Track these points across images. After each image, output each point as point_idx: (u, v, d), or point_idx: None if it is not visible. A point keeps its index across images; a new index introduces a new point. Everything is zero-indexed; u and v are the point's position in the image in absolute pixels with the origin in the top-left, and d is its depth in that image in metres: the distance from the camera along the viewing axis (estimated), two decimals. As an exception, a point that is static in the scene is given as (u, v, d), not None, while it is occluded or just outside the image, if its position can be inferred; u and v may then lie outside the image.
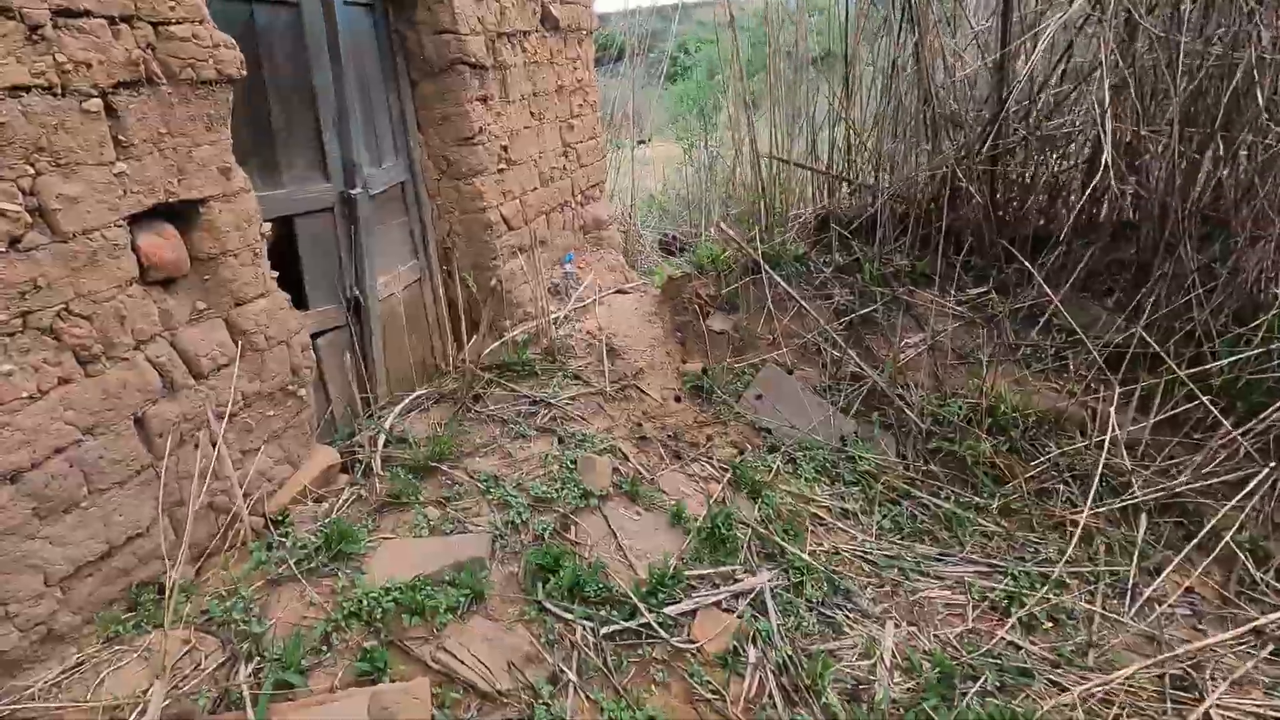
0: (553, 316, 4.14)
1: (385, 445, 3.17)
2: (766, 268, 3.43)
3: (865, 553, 2.59)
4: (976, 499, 2.84)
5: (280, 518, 2.69)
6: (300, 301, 3.21)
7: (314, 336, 3.27)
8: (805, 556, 2.51)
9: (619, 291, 4.87)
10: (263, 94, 2.84)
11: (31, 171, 1.87)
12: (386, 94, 3.61)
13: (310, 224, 3.15)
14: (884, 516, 2.80)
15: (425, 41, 3.62)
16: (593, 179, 5.42)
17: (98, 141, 2.02)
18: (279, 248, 3.11)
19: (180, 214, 2.35)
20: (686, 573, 2.45)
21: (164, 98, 2.20)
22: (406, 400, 3.58)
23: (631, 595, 2.34)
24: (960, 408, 3.00)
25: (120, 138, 2.09)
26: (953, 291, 3.29)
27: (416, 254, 3.97)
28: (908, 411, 3.04)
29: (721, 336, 3.57)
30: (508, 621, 2.28)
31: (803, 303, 3.37)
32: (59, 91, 1.91)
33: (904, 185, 3.42)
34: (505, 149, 4.17)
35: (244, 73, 2.45)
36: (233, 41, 2.40)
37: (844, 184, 3.68)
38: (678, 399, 3.30)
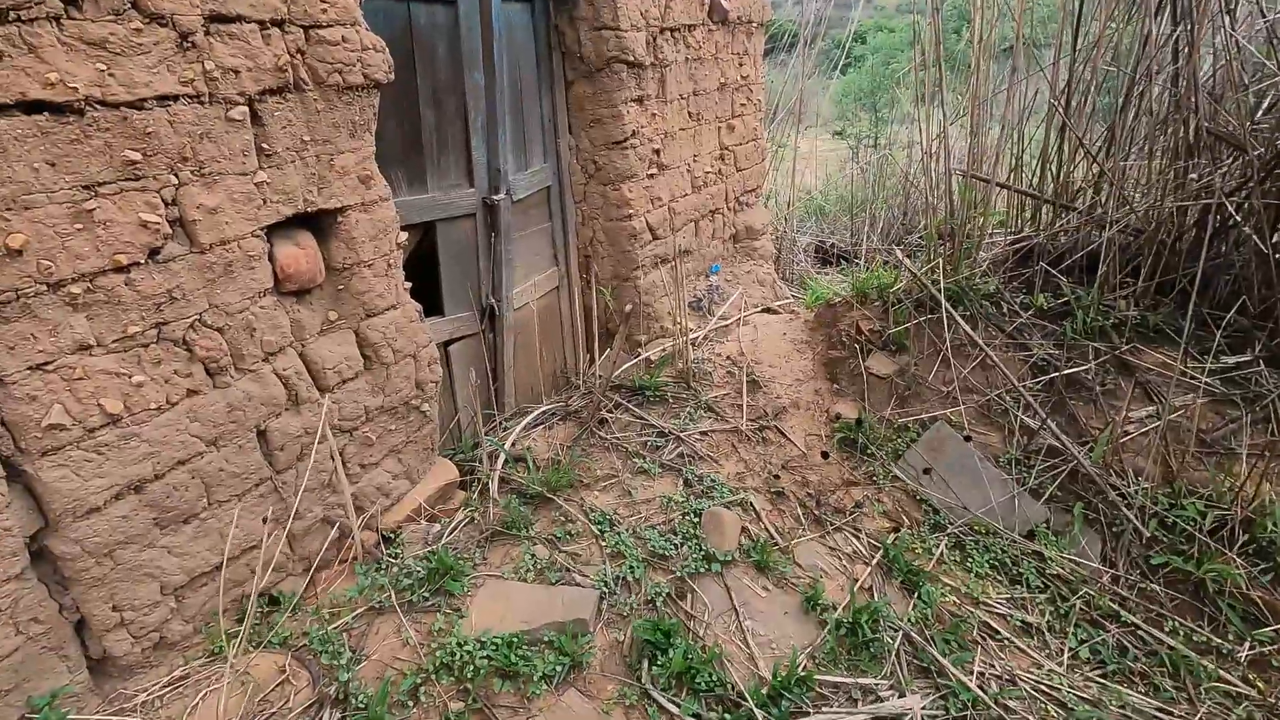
0: (692, 337, 3.82)
1: (505, 464, 3.04)
2: (947, 305, 2.88)
3: (1052, 687, 2.05)
4: (1218, 641, 2.15)
5: (393, 534, 2.62)
6: (436, 307, 3.14)
7: (446, 344, 3.20)
8: (970, 683, 2.02)
9: (766, 310, 4.46)
10: (414, 97, 2.75)
11: (175, 181, 1.84)
12: (539, 94, 3.45)
13: (451, 230, 3.06)
14: (1080, 641, 2.21)
15: (584, 38, 3.41)
16: (749, 184, 5.02)
17: (241, 150, 1.97)
18: (419, 253, 3.05)
19: (318, 223, 2.29)
20: (818, 677, 2.06)
21: (310, 103, 2.13)
22: (532, 415, 3.44)
23: (749, 697, 1.99)
24: (1201, 512, 2.31)
25: (264, 146, 2.03)
26: (1200, 357, 2.55)
27: (556, 261, 3.81)
28: (1123, 508, 2.40)
29: (883, 382, 3.08)
30: (605, 702, 2.02)
31: (989, 351, 2.79)
32: (206, 99, 1.87)
33: (1146, 216, 2.70)
34: (657, 153, 3.89)
35: (391, 76, 2.34)
36: (382, 44, 2.29)
37: (1060, 209, 2.99)
38: (825, 455, 2.87)
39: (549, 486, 2.87)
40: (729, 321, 4.15)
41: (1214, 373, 2.57)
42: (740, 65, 4.63)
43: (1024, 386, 2.70)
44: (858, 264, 7.96)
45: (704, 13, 4.09)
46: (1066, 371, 2.69)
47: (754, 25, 4.66)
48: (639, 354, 3.89)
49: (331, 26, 2.13)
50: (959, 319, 2.86)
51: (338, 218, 2.30)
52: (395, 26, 2.62)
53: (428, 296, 3.14)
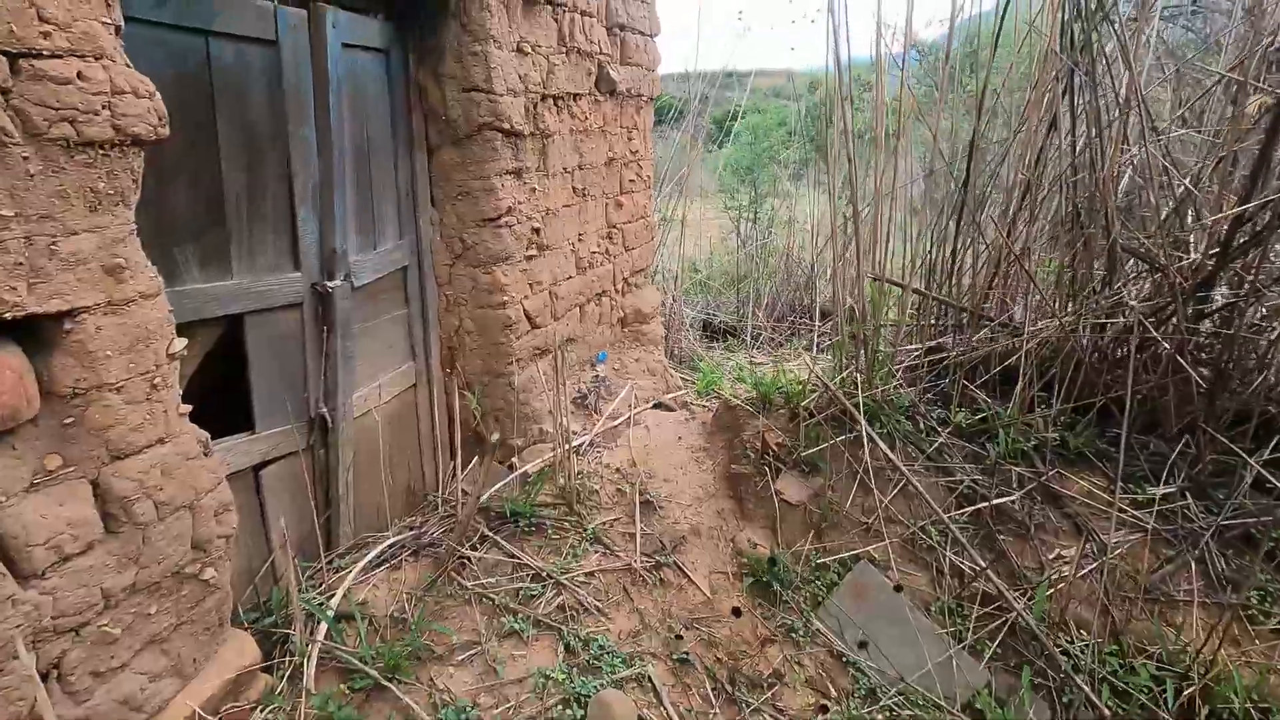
0: (576, 443, 3.29)
1: (331, 628, 2.31)
2: (867, 427, 2.55)
3: None
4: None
5: (146, 767, 1.82)
6: (245, 422, 2.42)
7: (258, 468, 2.47)
8: None
9: (659, 406, 4.02)
10: (214, 154, 2.10)
11: None
12: (395, 160, 2.88)
13: (268, 324, 2.38)
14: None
15: (452, 99, 2.90)
16: (639, 264, 4.65)
17: None
18: (220, 352, 2.33)
19: (30, 332, 1.57)
20: None
21: (14, 163, 1.44)
22: (375, 551, 2.72)
23: None
24: (1153, 679, 2.04)
25: (-80, 224, 1.33)
26: (1126, 485, 2.37)
27: (413, 354, 3.18)
28: (1071, 672, 2.09)
29: (796, 509, 2.69)
30: None
31: (911, 478, 2.48)
32: None
33: (1059, 330, 2.55)
34: (537, 231, 3.41)
35: (163, 131, 1.70)
36: (149, 87, 1.66)
37: (975, 319, 2.81)
38: (736, 612, 2.40)
39: (387, 664, 2.18)
40: (618, 421, 3.66)
41: (1140, 505, 2.39)
42: (630, 139, 4.30)
43: (950, 517, 2.40)
44: (743, 339, 7.84)
45: (591, 82, 3.73)
46: (995, 502, 2.43)
47: (644, 99, 4.37)
48: (512, 463, 3.29)
49: (58, 58, 1.48)
50: (879, 440, 2.54)
51: (64, 324, 1.59)
52: (187, 63, 1.99)
53: (232, 410, 2.41)
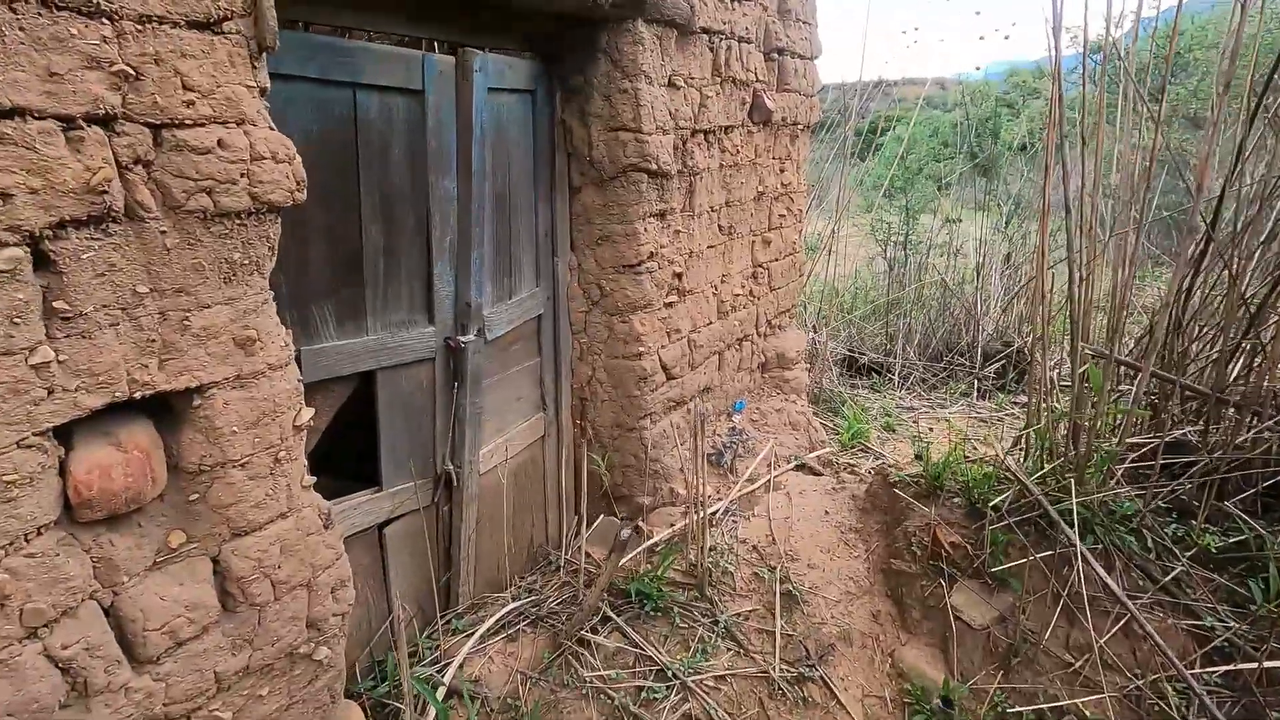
0: (710, 509, 2.98)
1: (442, 712, 2.16)
2: (1078, 541, 2.02)
3: None
4: None
5: None
6: (372, 478, 2.34)
7: (383, 525, 2.38)
8: None
9: (801, 467, 3.63)
10: (354, 210, 2.03)
11: None
12: (535, 204, 2.74)
13: (398, 380, 2.29)
14: None
15: (597, 140, 2.72)
16: (783, 304, 4.28)
17: (8, 316, 1.21)
18: (350, 409, 2.26)
19: (161, 407, 1.51)
20: None
21: (152, 239, 1.38)
22: (493, 620, 2.57)
23: None
24: None
25: (58, 305, 1.28)
26: None
27: (544, 405, 3.02)
28: None
29: (976, 633, 2.22)
30: None
31: (1138, 615, 1.94)
32: (-66, 240, 1.12)
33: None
34: (679, 276, 3.16)
35: (301, 196, 1.61)
36: (290, 149, 1.57)
37: (1237, 410, 2.17)
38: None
39: (496, 766, 1.99)
40: (756, 485, 3.31)
41: None
42: (781, 171, 3.96)
43: (1196, 675, 1.84)
44: (890, 377, 7.17)
45: (744, 112, 3.44)
46: (1268, 665, 1.83)
47: (800, 127, 4.02)
48: (639, 525, 3.04)
49: (200, 126, 1.40)
50: (1093, 562, 2.01)
51: (195, 399, 1.52)
52: (332, 117, 1.92)
53: (358, 465, 2.34)
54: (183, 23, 1.36)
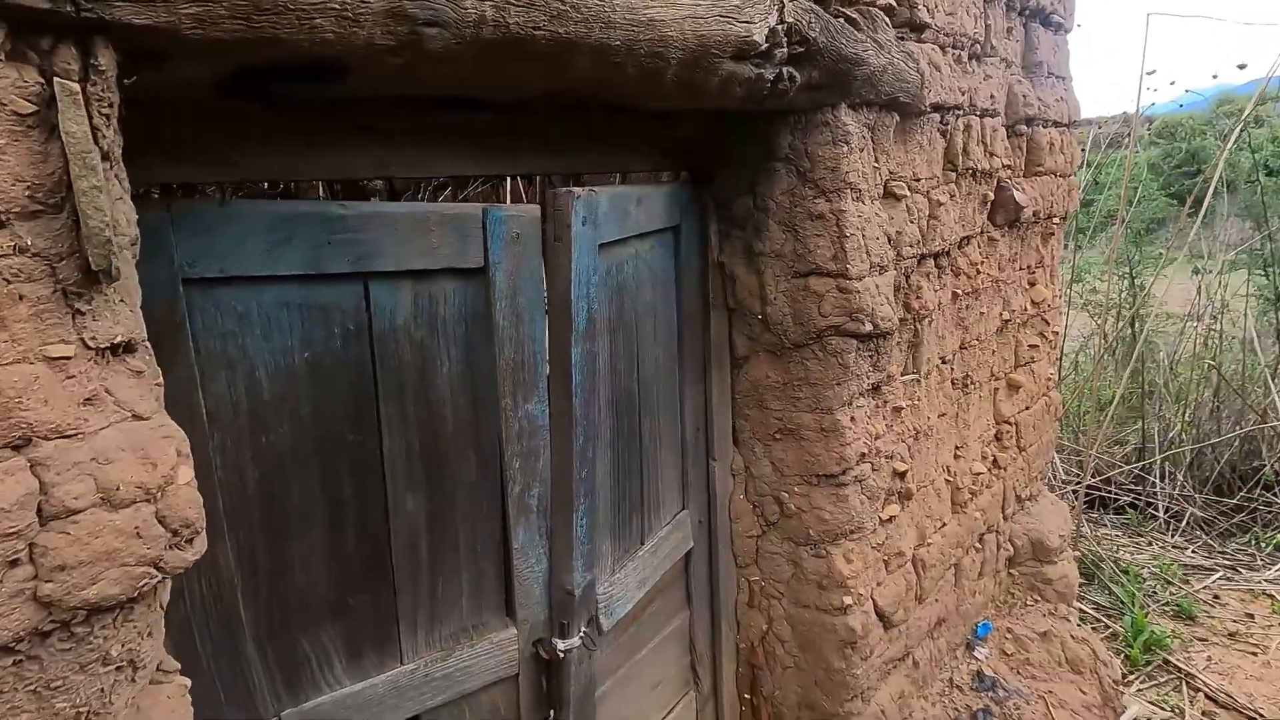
0: None
1: None
2: None
3: None
4: None
5: None
6: None
7: None
8: None
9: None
10: (373, 469, 1.18)
11: None
12: (679, 388, 1.80)
13: (460, 715, 1.37)
14: None
15: (774, 291, 1.75)
16: (1035, 468, 2.99)
17: None
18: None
19: None
20: None
21: None
22: None
23: None
24: None
25: None
26: None
27: (695, 680, 1.99)
28: None
29: None
30: None
31: None
32: None
33: None
34: (902, 475, 2.05)
35: (192, 552, 0.76)
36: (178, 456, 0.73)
37: None
38: None
39: None
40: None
41: None
42: (1030, 285, 2.76)
43: None
44: (1150, 514, 5.33)
45: (984, 215, 2.33)
46: None
47: (1054, 221, 2.81)
48: None
49: None
50: None
51: None
52: (326, 335, 1.10)
53: None
54: None
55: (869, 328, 1.72)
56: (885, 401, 1.97)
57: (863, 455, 1.86)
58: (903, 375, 2.04)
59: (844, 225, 1.65)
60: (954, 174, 2.10)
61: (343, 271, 1.07)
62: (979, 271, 2.34)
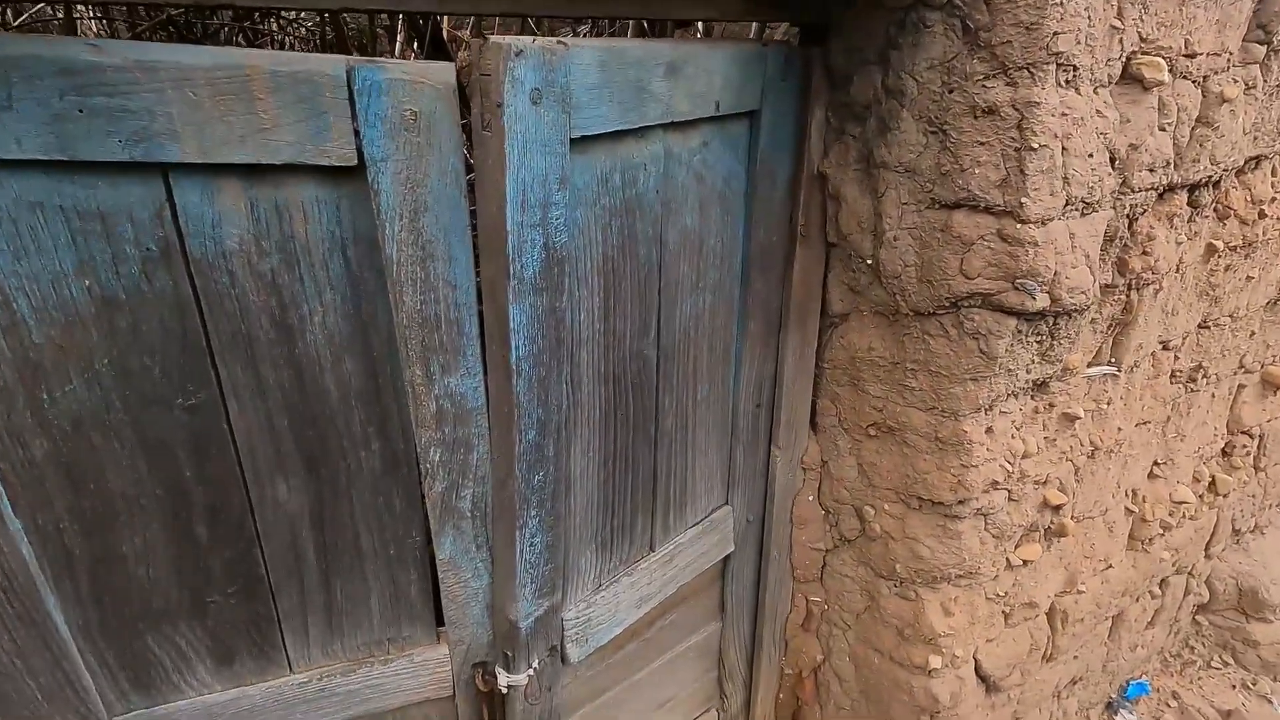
0: None
1: None
2: None
3: None
4: None
5: None
6: None
7: None
8: None
9: None
10: (221, 443, 0.84)
11: None
12: (735, 349, 1.28)
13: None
14: None
15: (894, 224, 1.14)
16: (1274, 493, 2.14)
17: None
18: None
19: None
20: None
21: None
22: None
23: None
24: None
25: None
26: None
27: (723, 698, 1.61)
28: None
29: None
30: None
31: None
32: None
33: None
34: (1057, 509, 1.43)
35: None
36: None
37: None
38: None
39: None
40: None
41: None
42: (1344, 238, 1.81)
43: None
44: None
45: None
46: None
47: None
48: None
49: None
50: None
51: None
52: (125, 246, 0.73)
53: None
54: None
55: (1042, 303, 1.07)
56: (1051, 405, 1.32)
57: (995, 483, 1.26)
58: (1090, 368, 1.36)
59: (1030, 127, 0.98)
60: (1265, 49, 1.26)
61: (119, 160, 0.67)
62: (1263, 215, 1.50)
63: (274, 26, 2.50)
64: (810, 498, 1.47)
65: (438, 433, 0.91)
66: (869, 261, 1.21)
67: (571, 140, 0.81)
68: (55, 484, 0.81)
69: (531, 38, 0.73)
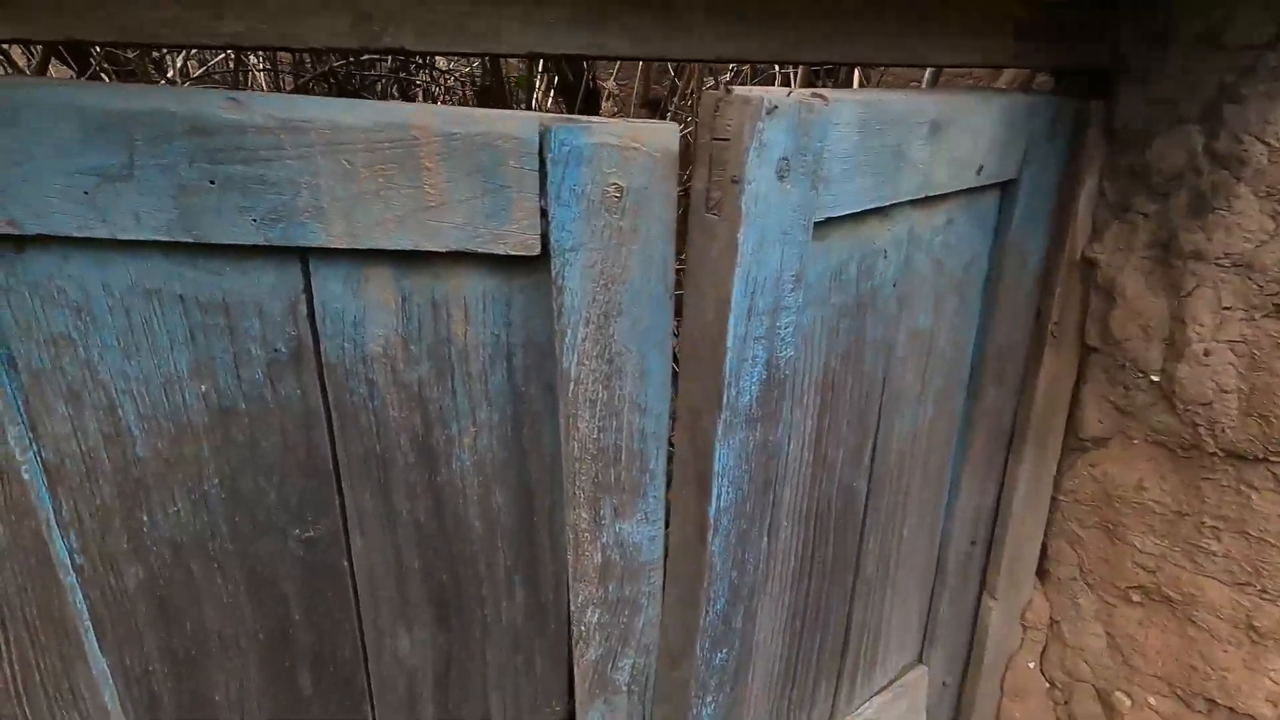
0: None
1: None
2: None
3: None
4: None
5: None
6: None
7: None
8: None
9: None
10: (343, 591, 0.67)
11: None
12: (953, 479, 1.00)
13: None
14: None
15: (1207, 334, 0.84)
16: None
17: None
18: None
19: None
20: None
21: None
22: None
23: None
24: None
25: None
26: None
27: None
28: None
29: None
30: None
31: None
32: None
33: None
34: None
35: None
36: None
37: None
38: None
39: None
40: None
41: None
42: None
43: None
44: None
45: None
46: None
47: None
48: None
49: None
50: None
51: None
52: (249, 345, 0.58)
53: None
54: None
55: None
56: None
57: (1335, 694, 0.90)
58: None
59: None
60: None
61: (249, 243, 0.52)
62: None
63: (426, 77, 2.37)
64: (1031, 664, 1.14)
65: (599, 589, 0.70)
66: (1154, 378, 0.91)
67: (814, 222, 0.60)
68: (147, 618, 0.66)
69: (785, 90, 0.53)
